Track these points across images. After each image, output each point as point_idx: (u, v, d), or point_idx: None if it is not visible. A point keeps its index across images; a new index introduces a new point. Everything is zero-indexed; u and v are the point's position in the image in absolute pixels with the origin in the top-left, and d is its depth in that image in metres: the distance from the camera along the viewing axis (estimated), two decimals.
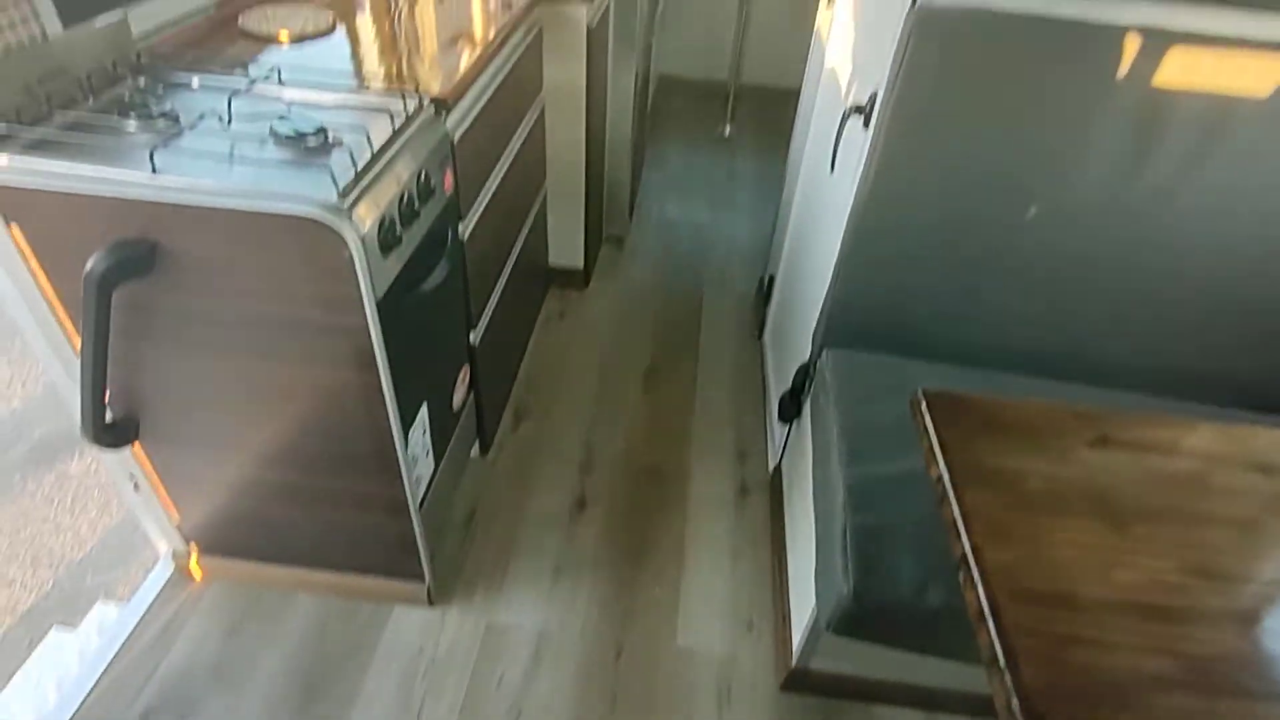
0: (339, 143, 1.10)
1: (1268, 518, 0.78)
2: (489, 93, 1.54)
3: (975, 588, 0.69)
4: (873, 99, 1.25)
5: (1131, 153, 1.17)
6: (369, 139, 1.11)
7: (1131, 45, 1.08)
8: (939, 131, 1.19)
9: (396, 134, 1.17)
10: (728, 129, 3.74)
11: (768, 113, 3.85)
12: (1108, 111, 1.14)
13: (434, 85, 1.34)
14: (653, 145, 3.57)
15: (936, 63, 1.13)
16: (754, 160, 3.53)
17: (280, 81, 1.26)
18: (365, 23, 1.64)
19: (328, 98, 1.25)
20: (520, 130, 1.87)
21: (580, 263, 2.50)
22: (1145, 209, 1.21)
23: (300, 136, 1.08)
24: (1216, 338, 1.33)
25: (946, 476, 0.80)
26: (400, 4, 1.78)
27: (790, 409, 1.60)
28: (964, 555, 0.72)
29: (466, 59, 1.46)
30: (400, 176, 1.13)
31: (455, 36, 1.60)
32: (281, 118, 1.12)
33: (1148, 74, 1.10)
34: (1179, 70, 1.09)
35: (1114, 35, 1.08)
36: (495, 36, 1.60)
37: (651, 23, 2.91)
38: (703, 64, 3.99)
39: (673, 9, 3.79)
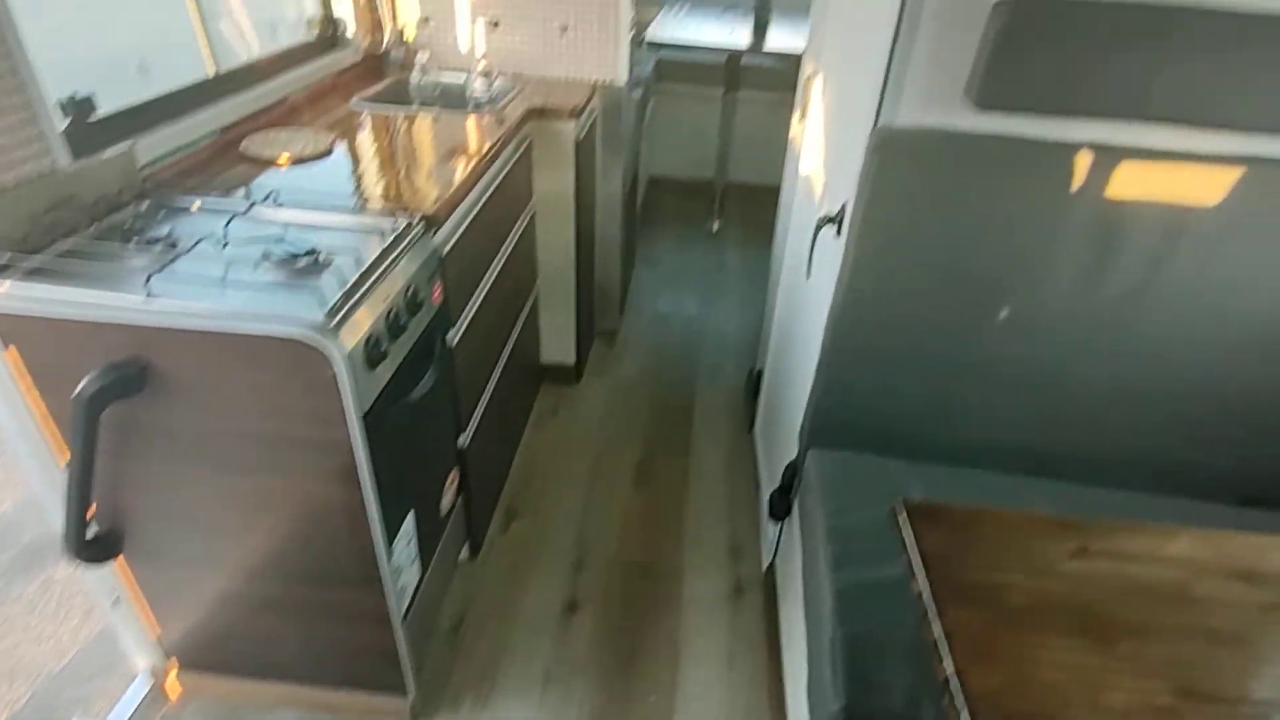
0: (329, 262, 1.14)
1: (1254, 630, 0.77)
2: (479, 206, 1.60)
3: (960, 715, 0.67)
4: (843, 209, 1.30)
5: (1095, 258, 1.21)
6: (358, 259, 1.15)
7: (1084, 161, 1.14)
8: (907, 240, 1.24)
9: (386, 252, 1.21)
10: (716, 225, 3.86)
11: (754, 208, 3.99)
12: (1068, 220, 1.19)
13: (424, 203, 1.40)
14: (644, 242, 3.68)
15: (899, 177, 1.18)
16: (742, 253, 3.63)
17: (277, 204, 1.32)
18: (363, 143, 1.73)
19: (322, 218, 1.30)
20: (511, 236, 1.93)
21: (572, 359, 2.53)
22: (1114, 310, 1.25)
23: (292, 258, 1.13)
24: (1193, 431, 1.34)
25: (928, 592, 0.79)
26: (398, 123, 1.88)
27: (780, 508, 1.59)
28: (947, 680, 0.71)
29: (457, 176, 1.53)
30: (388, 293, 1.17)
31: (448, 154, 1.68)
32: (276, 240, 1.17)
33: (1102, 186, 1.15)
34: (1132, 182, 1.15)
35: (1066, 151, 1.14)
36: (486, 153, 1.68)
37: (639, 129, 3.06)
38: (691, 164, 4.16)
39: (661, 115, 3.99)
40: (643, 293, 3.25)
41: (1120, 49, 1.04)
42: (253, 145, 1.58)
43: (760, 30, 3.22)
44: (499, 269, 1.81)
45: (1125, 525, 0.89)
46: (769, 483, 1.90)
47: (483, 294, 1.68)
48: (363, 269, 1.14)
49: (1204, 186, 1.14)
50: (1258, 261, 1.19)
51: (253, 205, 1.31)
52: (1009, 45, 1.04)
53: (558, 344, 2.50)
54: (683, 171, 4.23)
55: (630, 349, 2.85)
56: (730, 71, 3.35)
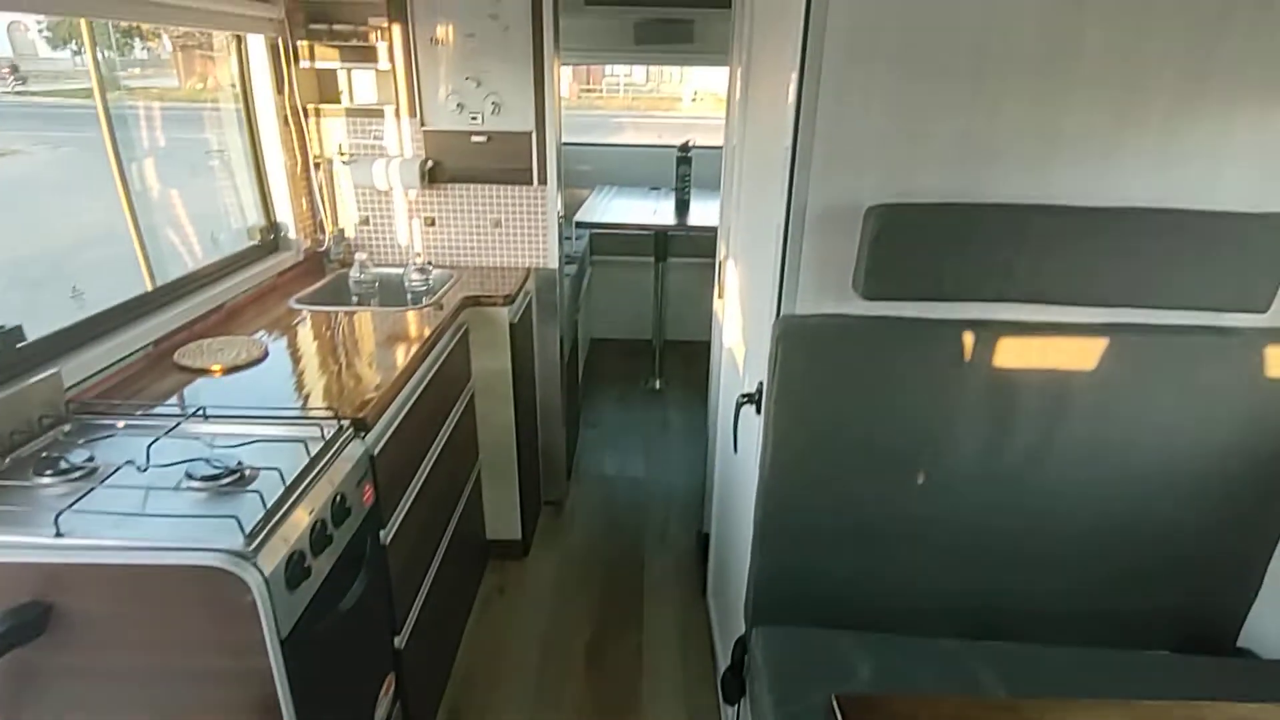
0: (253, 479, 1.14)
1: None
2: (415, 397, 1.64)
3: None
4: (760, 389, 1.38)
5: (995, 422, 1.29)
6: (283, 472, 1.15)
7: (969, 337, 1.25)
8: (821, 418, 1.30)
9: (314, 460, 1.22)
10: (658, 383, 3.97)
11: (694, 364, 4.13)
12: (965, 390, 1.27)
13: (356, 405, 1.43)
14: (589, 404, 3.75)
15: (805, 361, 1.27)
16: (684, 410, 3.71)
17: (205, 418, 1.33)
18: (300, 344, 1.77)
19: (251, 430, 1.31)
20: (450, 419, 1.96)
21: (518, 533, 2.49)
22: (1019, 470, 1.31)
23: (214, 478, 1.12)
24: (1116, 578, 1.38)
25: None
26: (337, 321, 1.94)
27: (733, 690, 1.54)
28: None
29: (390, 374, 1.58)
30: (314, 504, 1.16)
31: (383, 350, 1.73)
32: (199, 459, 1.17)
33: (990, 358, 1.26)
34: (1014, 353, 1.26)
35: (953, 329, 1.25)
36: (421, 346, 1.74)
37: (576, 300, 3.21)
38: (630, 326, 4.34)
39: (598, 283, 4.20)
40: (589, 456, 3.26)
41: (981, 243, 1.17)
42: (186, 355, 1.61)
43: (682, 209, 3.50)
44: (437, 454, 1.82)
45: (1059, 704, 0.90)
46: (723, 655, 1.84)
47: (420, 483, 1.68)
48: (287, 483, 1.14)
49: (1078, 354, 1.26)
50: (1138, 415, 1.28)
51: (179, 422, 1.31)
52: (883, 244, 1.17)
53: (503, 519, 2.46)
54: (623, 333, 4.39)
55: (578, 516, 2.82)
56: (659, 243, 3.59)
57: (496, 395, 2.26)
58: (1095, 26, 1.11)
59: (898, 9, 1.10)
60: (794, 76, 1.16)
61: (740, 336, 1.73)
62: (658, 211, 3.49)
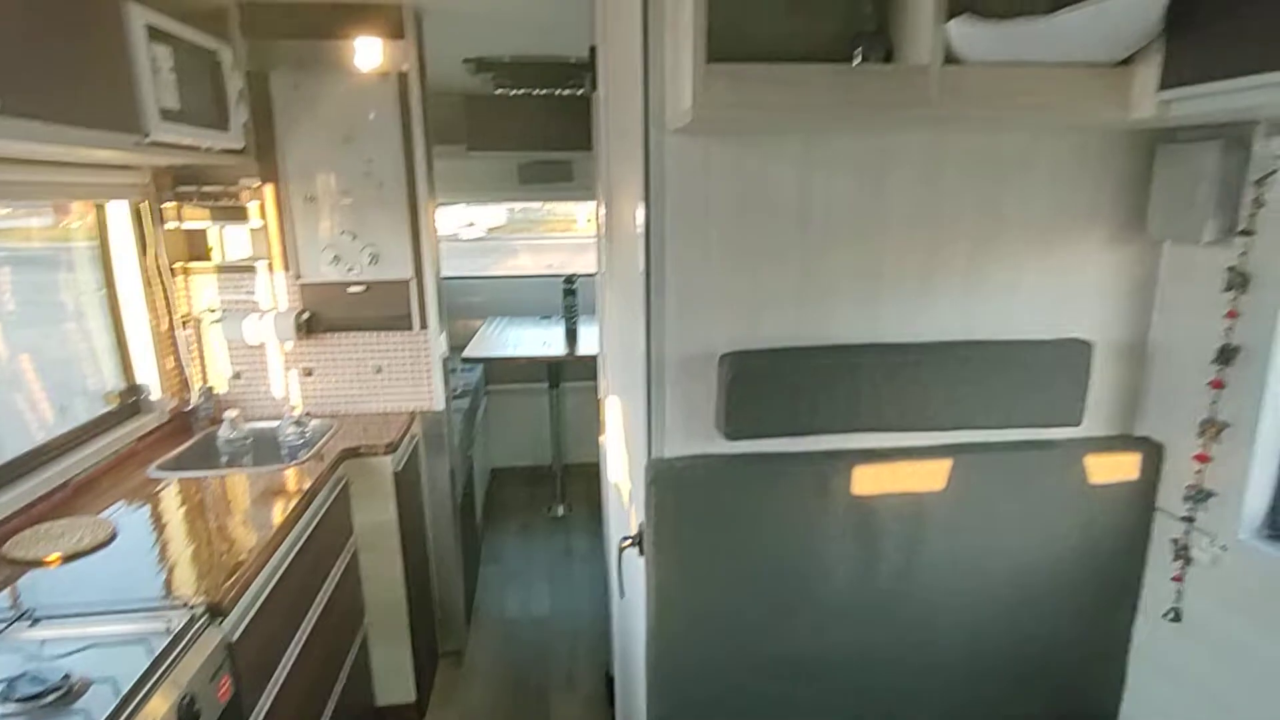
0: (83, 692, 1.03)
1: None
2: (284, 567, 1.54)
3: None
4: (640, 531, 1.39)
5: (863, 546, 1.34)
6: (117, 682, 1.05)
7: (827, 468, 1.32)
8: (700, 556, 1.32)
9: (155, 664, 1.11)
10: (560, 509, 3.91)
11: (597, 486, 4.10)
12: (831, 518, 1.33)
13: (212, 588, 1.33)
14: (490, 539, 3.63)
15: (679, 502, 1.30)
16: (588, 535, 3.65)
17: (33, 621, 1.20)
18: (156, 520, 1.65)
19: (86, 630, 1.19)
20: (329, 582, 1.85)
21: (413, 694, 2.32)
22: (891, 589, 1.36)
23: (35, 697, 1.01)
24: (1003, 688, 1.43)
25: None
26: (201, 488, 1.83)
27: None
28: None
29: (253, 546, 1.49)
30: (156, 714, 1.05)
31: (248, 520, 1.64)
32: (22, 674, 1.05)
33: (848, 487, 1.33)
34: (871, 480, 1.33)
35: (813, 461, 1.31)
36: (293, 510, 1.66)
37: (471, 432, 3.16)
38: (529, 453, 4.30)
39: (494, 412, 4.17)
40: (490, 596, 3.12)
41: (824, 381, 1.26)
42: (19, 545, 1.47)
43: (571, 338, 3.59)
44: (314, 624, 1.70)
45: None
46: None
47: (291, 660, 1.55)
48: (122, 694, 1.03)
49: (928, 475, 1.34)
50: (988, 529, 1.37)
51: (3, 629, 1.18)
52: (738, 389, 1.24)
53: (395, 681, 2.29)
54: (524, 460, 4.34)
55: (479, 666, 2.66)
56: (552, 371, 3.63)
57: (382, 549, 2.15)
58: (899, 191, 1.26)
59: (726, 180, 1.22)
60: (641, 238, 1.25)
61: (625, 474, 1.75)
62: (548, 343, 3.55)
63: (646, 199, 1.22)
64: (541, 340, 3.60)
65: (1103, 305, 1.35)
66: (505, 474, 4.34)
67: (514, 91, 3.20)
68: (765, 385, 1.25)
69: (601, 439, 2.17)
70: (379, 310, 2.35)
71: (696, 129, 1.13)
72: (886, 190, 1.26)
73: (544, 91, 3.22)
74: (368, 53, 2.16)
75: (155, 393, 2.19)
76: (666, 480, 1.29)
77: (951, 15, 0.98)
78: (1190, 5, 0.93)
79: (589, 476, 4.22)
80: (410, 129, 2.23)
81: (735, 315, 1.28)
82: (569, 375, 3.93)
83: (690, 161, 1.20)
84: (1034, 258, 1.33)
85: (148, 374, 2.18)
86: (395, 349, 2.40)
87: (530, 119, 3.39)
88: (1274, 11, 0.84)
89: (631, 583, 1.51)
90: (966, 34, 0.97)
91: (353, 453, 2.08)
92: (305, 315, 2.32)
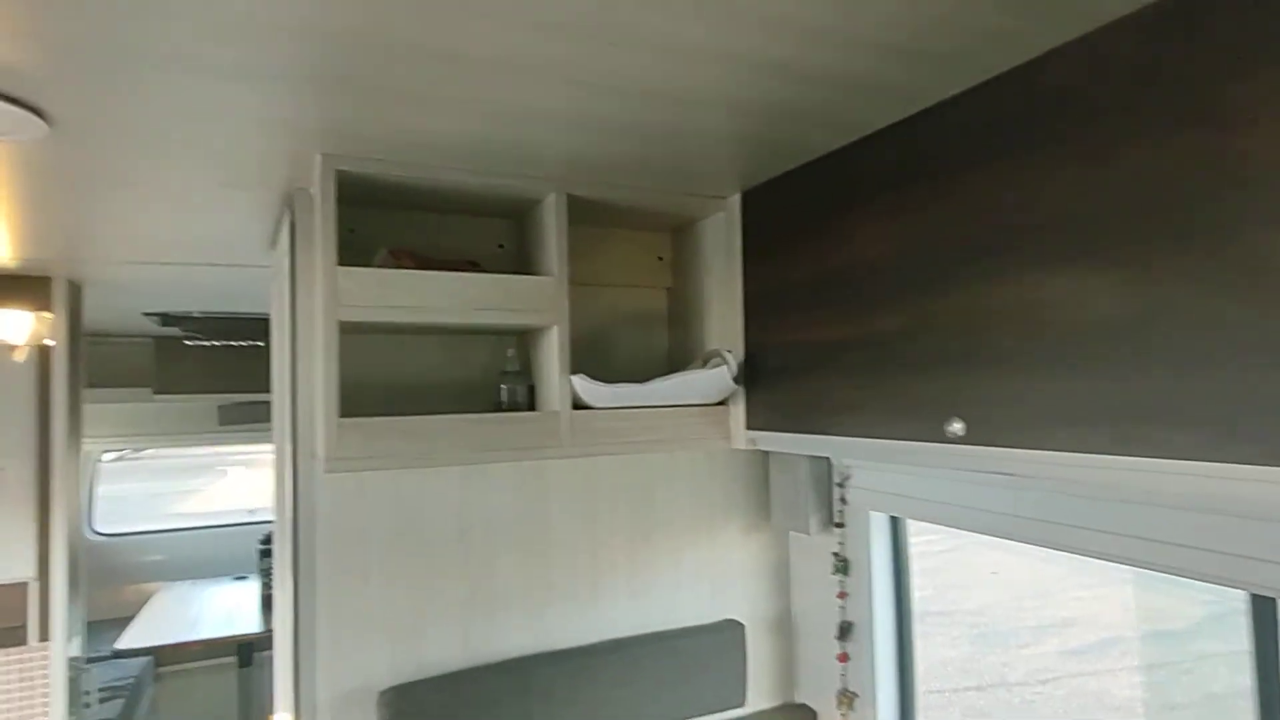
0: None
1: None
2: None
3: None
4: None
5: None
6: None
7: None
8: None
9: None
10: None
11: None
12: None
13: None
14: None
15: None
16: None
17: None
18: None
19: None
20: None
21: None
22: None
23: None
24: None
25: None
26: None
27: None
28: None
29: None
30: None
31: None
32: None
33: None
34: None
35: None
36: None
37: None
38: None
39: (168, 700, 3.41)
40: None
41: (490, 706, 1.21)
42: None
43: (268, 605, 3.14)
44: None
45: None
46: None
47: None
48: None
49: None
50: None
51: None
52: None
53: None
54: None
55: None
56: (241, 651, 3.11)
57: None
58: (559, 504, 1.34)
59: (384, 504, 1.20)
60: (290, 573, 1.15)
61: None
62: (235, 617, 3.05)
63: (295, 532, 1.15)
64: (228, 613, 3.09)
65: (753, 585, 1.51)
66: None
67: (206, 343, 3.00)
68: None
69: None
70: None
71: (341, 469, 1.12)
72: (548, 504, 1.33)
73: (239, 344, 3.07)
74: (12, 327, 1.89)
75: None
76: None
77: (575, 371, 1.12)
78: (753, 375, 1.16)
79: None
80: (50, 404, 1.94)
81: (398, 640, 1.21)
82: (268, 645, 3.38)
83: (343, 490, 1.18)
84: (688, 549, 1.46)
85: None
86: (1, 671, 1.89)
87: (221, 364, 3.20)
88: (795, 391, 1.07)
89: None
90: (587, 389, 1.10)
91: None
92: None
